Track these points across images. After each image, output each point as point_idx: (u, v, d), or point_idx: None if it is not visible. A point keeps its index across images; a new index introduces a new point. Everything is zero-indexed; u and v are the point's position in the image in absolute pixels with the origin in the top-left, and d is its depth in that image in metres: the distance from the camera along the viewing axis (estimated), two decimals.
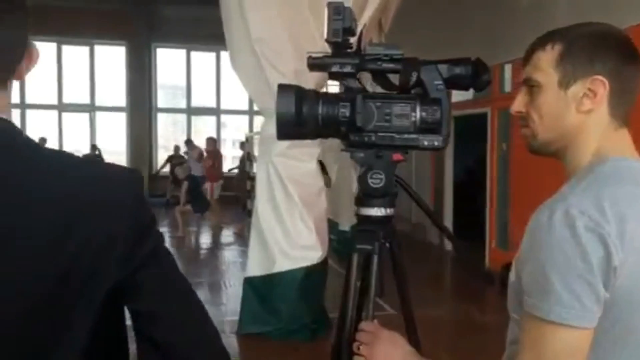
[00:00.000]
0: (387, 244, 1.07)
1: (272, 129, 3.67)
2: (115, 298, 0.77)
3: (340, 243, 6.33)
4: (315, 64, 1.06)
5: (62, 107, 13.20)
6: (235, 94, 14.39)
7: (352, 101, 1.00)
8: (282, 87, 1.03)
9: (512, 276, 0.86)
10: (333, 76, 1.03)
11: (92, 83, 13.39)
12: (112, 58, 13.52)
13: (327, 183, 4.46)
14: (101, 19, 12.13)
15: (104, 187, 0.78)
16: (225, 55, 13.77)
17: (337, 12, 0.97)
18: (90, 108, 13.45)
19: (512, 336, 0.89)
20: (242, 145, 12.64)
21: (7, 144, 0.76)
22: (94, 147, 12.82)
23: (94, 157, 11.35)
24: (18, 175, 0.75)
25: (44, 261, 0.73)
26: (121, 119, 13.75)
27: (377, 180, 1.02)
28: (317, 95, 1.03)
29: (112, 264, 0.75)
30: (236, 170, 12.59)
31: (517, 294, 0.83)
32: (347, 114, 1.00)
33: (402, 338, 0.98)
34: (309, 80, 3.68)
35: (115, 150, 13.32)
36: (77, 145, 12.93)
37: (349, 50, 1.03)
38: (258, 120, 14.22)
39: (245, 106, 14.69)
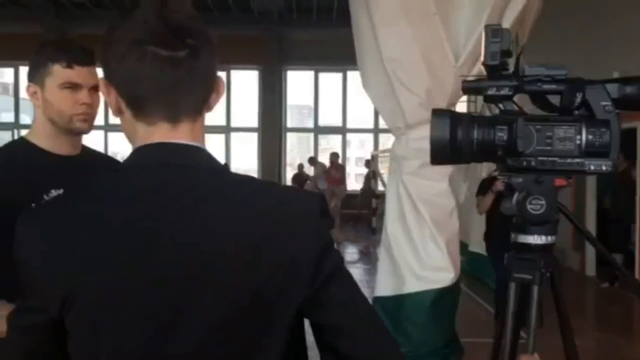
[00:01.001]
0: (548, 274, 1.01)
1: (403, 148, 3.63)
2: (300, 313, 0.80)
3: (470, 265, 6.12)
4: (470, 88, 1.04)
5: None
6: (361, 113, 14.57)
7: (510, 124, 0.96)
8: (437, 112, 1.03)
9: None
10: (489, 99, 1.01)
11: (228, 105, 14.25)
12: (246, 82, 14.35)
13: None
14: (238, 45, 12.91)
15: (289, 208, 0.81)
16: (351, 75, 14.06)
17: (495, 34, 0.95)
18: (226, 129, 14.31)
19: None
20: (367, 163, 12.73)
21: (202, 169, 0.82)
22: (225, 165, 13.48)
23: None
24: (211, 198, 0.80)
25: (236, 282, 0.77)
26: (253, 138, 14.48)
27: (537, 207, 0.97)
28: (472, 119, 1.01)
29: (300, 281, 0.78)
30: (360, 187, 12.70)
31: None
32: (505, 137, 0.97)
33: None
34: (441, 99, 3.64)
35: (248, 168, 14.03)
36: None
37: (505, 72, 1.01)
38: (383, 138, 14.25)
39: (370, 124, 14.81)
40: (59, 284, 0.77)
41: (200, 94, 0.84)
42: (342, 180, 11.50)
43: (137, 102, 0.82)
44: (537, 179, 0.98)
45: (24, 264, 0.80)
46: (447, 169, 3.83)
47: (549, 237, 1.00)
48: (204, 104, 0.85)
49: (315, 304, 0.80)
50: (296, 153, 15.95)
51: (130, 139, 0.86)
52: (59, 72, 1.42)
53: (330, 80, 14.87)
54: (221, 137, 14.35)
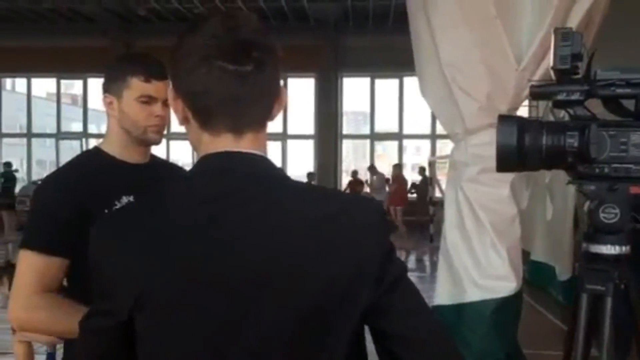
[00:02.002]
0: (623, 286, 0.97)
1: (462, 154, 3.56)
2: (363, 320, 0.81)
3: (532, 274, 5.92)
4: (538, 93, 1.01)
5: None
6: (417, 119, 14.43)
7: (582, 130, 0.93)
8: (503, 118, 1.00)
9: None
10: (559, 105, 0.98)
11: (285, 113, 14.44)
12: (302, 89, 14.50)
13: None
14: (295, 53, 13.09)
15: (351, 215, 0.83)
16: (408, 80, 13.95)
17: (565, 37, 0.92)
18: (282, 136, 14.49)
19: None
20: (422, 169, 12.58)
21: (265, 177, 0.84)
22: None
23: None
24: (274, 206, 0.82)
25: (298, 288, 0.79)
26: (309, 145, 14.59)
27: (610, 215, 0.93)
28: (541, 125, 0.98)
29: (362, 290, 0.79)
30: (414, 195, 12.54)
31: None
32: (576, 144, 0.94)
33: None
34: (502, 104, 3.55)
35: (303, 175, 14.16)
36: None
37: (575, 77, 0.97)
38: (439, 144, 14.04)
39: (426, 130, 14.65)
40: (130, 287, 0.81)
41: (264, 106, 0.86)
42: (404, 201, 11.28)
43: (203, 114, 0.85)
44: (610, 187, 0.94)
45: (97, 267, 0.84)
46: (509, 176, 3.73)
47: (623, 247, 0.96)
48: (268, 115, 0.87)
49: (378, 311, 0.81)
50: (351, 159, 15.96)
51: (196, 147, 0.89)
52: (137, 85, 1.48)
53: (386, 86, 14.82)
54: (278, 145, 14.54)
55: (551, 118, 1.15)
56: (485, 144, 3.01)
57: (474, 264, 3.87)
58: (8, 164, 13.85)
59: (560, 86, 0.98)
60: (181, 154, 14.39)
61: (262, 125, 0.88)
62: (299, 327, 0.79)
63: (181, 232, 0.81)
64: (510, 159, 0.99)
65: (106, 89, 1.55)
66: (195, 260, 0.80)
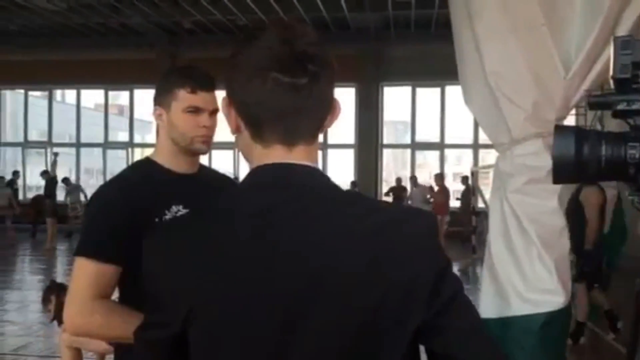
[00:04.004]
0: None
1: (507, 164, 3.48)
2: (417, 339, 0.79)
3: None
4: (597, 103, 0.98)
5: None
6: (459, 128, 14.25)
7: None
8: (560, 128, 0.98)
9: None
10: (619, 115, 0.94)
11: None
12: (343, 98, 14.54)
13: None
14: (336, 63, 13.16)
15: (406, 227, 0.81)
16: (449, 89, 13.81)
17: (626, 46, 0.89)
18: (323, 146, 14.54)
19: None
20: (464, 179, 12.41)
21: (317, 188, 0.84)
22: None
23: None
24: (326, 217, 0.82)
25: (350, 301, 0.78)
26: (349, 155, 14.60)
27: None
28: (599, 136, 0.95)
29: (416, 304, 0.77)
30: (458, 204, 12.40)
31: None
32: (638, 155, 0.90)
33: None
34: (549, 113, 3.47)
35: (345, 185, 14.12)
36: None
37: (636, 86, 0.94)
38: (482, 154, 13.81)
39: (467, 140, 14.46)
40: (183, 298, 0.81)
41: (318, 118, 0.86)
42: (446, 209, 11.20)
43: (256, 125, 0.85)
44: None
45: (151, 279, 0.85)
46: (556, 186, 3.63)
47: None
48: (320, 127, 0.87)
49: (433, 330, 0.78)
50: (391, 169, 15.89)
51: (247, 157, 0.90)
52: (183, 97, 1.52)
53: (428, 95, 14.73)
54: (319, 154, 14.57)
55: (598, 128, 1.11)
56: (532, 154, 2.94)
57: (520, 277, 3.77)
58: (65, 180, 14.38)
59: (621, 95, 0.95)
60: (223, 163, 14.60)
61: (314, 137, 0.88)
62: (349, 343, 0.78)
63: (233, 245, 0.81)
64: (567, 170, 0.96)
65: (156, 101, 1.60)
66: (246, 273, 0.80)
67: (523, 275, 3.75)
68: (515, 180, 3.81)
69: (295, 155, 0.86)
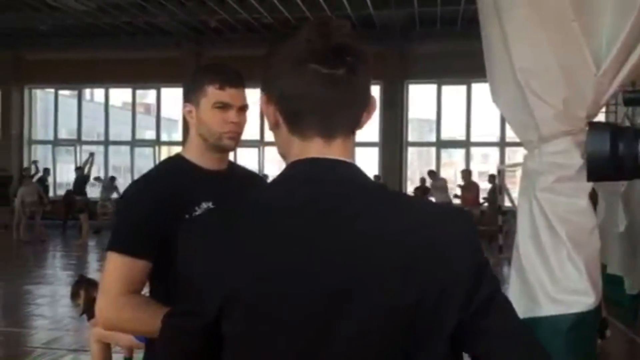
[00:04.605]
0: None
1: (536, 163, 3.43)
2: (454, 343, 0.78)
3: (607, 288, 5.63)
4: (633, 99, 0.96)
5: None
6: (484, 126, 14.10)
7: None
8: (594, 125, 0.96)
9: None
10: None
11: None
12: None
13: None
14: None
15: (444, 226, 0.81)
16: (475, 87, 13.65)
17: None
18: None
19: None
20: (491, 177, 12.27)
21: (361, 186, 0.84)
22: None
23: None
24: (364, 213, 0.82)
25: (387, 298, 0.78)
26: (374, 153, 14.55)
27: None
28: (636, 133, 0.93)
29: (454, 303, 0.77)
30: (485, 204, 12.27)
31: None
32: None
33: None
34: (579, 110, 3.40)
35: None
36: None
37: None
38: (508, 152, 13.63)
39: (494, 138, 14.30)
40: (218, 289, 0.81)
41: (355, 111, 0.86)
42: (476, 200, 11.12)
43: (295, 118, 0.86)
44: None
45: (185, 267, 0.86)
46: (587, 185, 3.56)
47: None
48: (357, 122, 0.87)
49: (475, 334, 0.77)
50: (416, 167, 15.80)
51: (284, 152, 0.90)
52: (212, 93, 1.53)
53: (453, 92, 14.60)
54: None
55: (627, 124, 1.09)
56: (562, 152, 2.88)
57: (549, 278, 3.71)
58: (97, 178, 14.77)
59: None
60: (248, 160, 14.69)
61: (351, 132, 0.88)
62: (386, 339, 0.77)
63: (267, 237, 0.82)
64: (602, 168, 0.95)
65: (186, 98, 1.62)
66: (283, 266, 0.80)
67: (552, 276, 3.68)
68: (544, 179, 3.74)
69: (334, 150, 0.86)
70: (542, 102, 3.60)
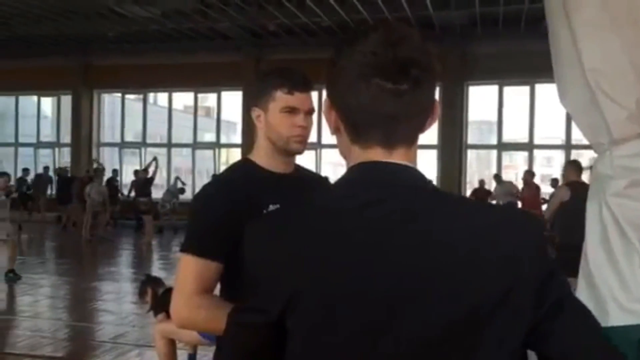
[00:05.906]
0: None
1: (607, 166, 3.29)
2: (525, 344, 0.79)
3: None
4: None
5: None
6: (548, 128, 13.66)
7: None
8: None
9: None
10: None
11: None
12: None
13: None
14: None
15: (510, 230, 0.80)
16: (539, 88, 13.24)
17: None
18: None
19: None
20: (554, 181, 11.88)
21: (422, 189, 0.84)
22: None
23: None
24: (427, 217, 0.82)
25: (449, 302, 0.78)
26: (432, 156, 14.35)
27: None
28: None
29: (523, 306, 0.77)
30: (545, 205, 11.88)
31: None
32: None
33: None
34: None
35: None
36: None
37: None
38: (574, 155, 13.14)
39: (558, 140, 13.83)
40: (284, 286, 0.83)
41: (418, 122, 0.86)
42: (538, 203, 10.78)
43: (356, 128, 0.87)
44: None
45: (251, 265, 0.88)
46: None
47: None
48: (420, 131, 0.87)
49: (544, 334, 0.77)
50: (475, 170, 15.48)
51: (345, 157, 0.91)
52: (280, 97, 1.56)
53: (515, 94, 14.22)
54: None
55: None
56: (635, 155, 2.77)
57: (620, 286, 3.55)
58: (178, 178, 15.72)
59: None
60: (305, 163, 14.78)
61: (414, 140, 0.88)
62: (446, 342, 0.78)
63: (331, 239, 0.83)
64: None
65: (254, 102, 1.64)
66: (345, 266, 0.81)
67: (624, 284, 3.53)
68: (615, 183, 3.59)
69: (394, 157, 0.86)
70: (615, 103, 3.46)
